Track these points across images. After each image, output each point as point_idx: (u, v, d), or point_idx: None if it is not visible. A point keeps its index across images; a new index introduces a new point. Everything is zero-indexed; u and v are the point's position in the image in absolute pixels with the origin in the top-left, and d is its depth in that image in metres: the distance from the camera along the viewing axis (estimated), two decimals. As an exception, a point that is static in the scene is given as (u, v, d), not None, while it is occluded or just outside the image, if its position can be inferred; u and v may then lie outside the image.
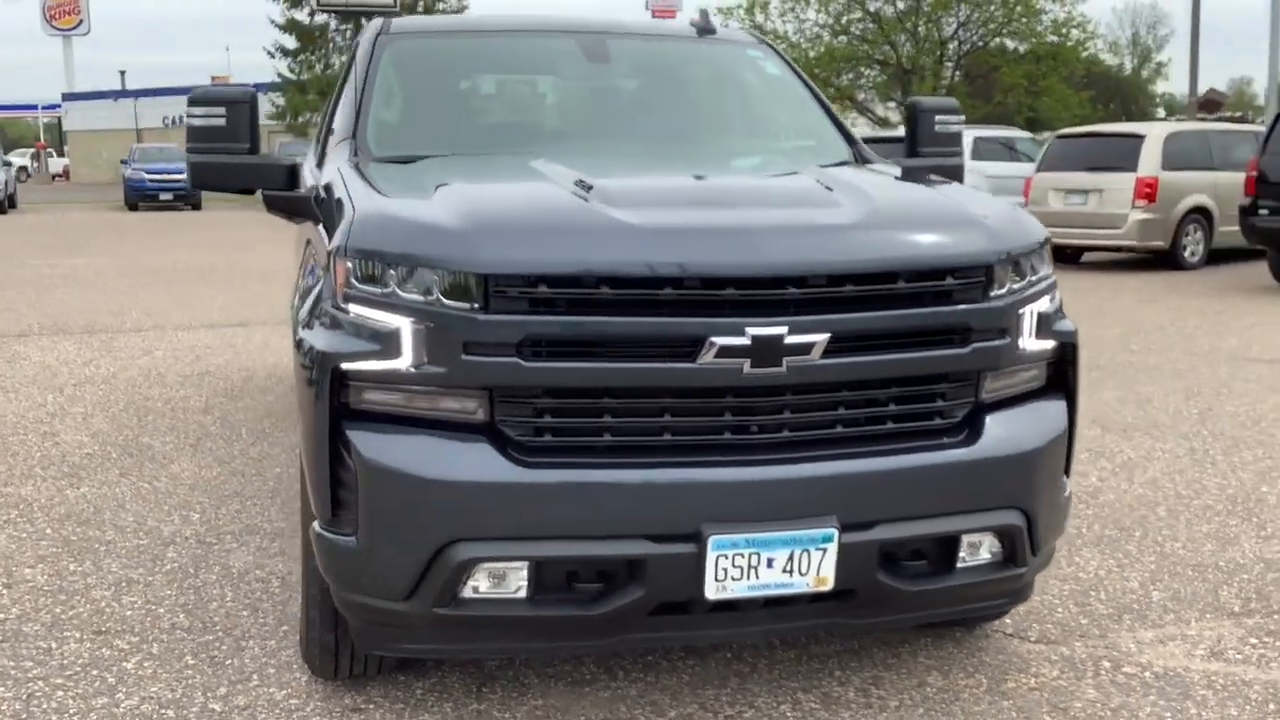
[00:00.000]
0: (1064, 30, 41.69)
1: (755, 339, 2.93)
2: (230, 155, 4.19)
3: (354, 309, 3.05)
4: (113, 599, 4.30)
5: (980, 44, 43.76)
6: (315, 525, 3.18)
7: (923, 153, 4.76)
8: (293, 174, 4.16)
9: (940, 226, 3.28)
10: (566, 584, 3.04)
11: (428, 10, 45.30)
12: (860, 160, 4.51)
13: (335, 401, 3.04)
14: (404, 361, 2.96)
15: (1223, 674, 3.71)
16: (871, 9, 43.46)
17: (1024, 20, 41.91)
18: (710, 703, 3.51)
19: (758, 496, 2.99)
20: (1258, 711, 3.47)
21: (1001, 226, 3.34)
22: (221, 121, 4.21)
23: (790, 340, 2.95)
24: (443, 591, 2.99)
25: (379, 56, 4.51)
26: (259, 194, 4.21)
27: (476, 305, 2.92)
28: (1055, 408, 3.41)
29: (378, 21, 4.79)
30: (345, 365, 3.01)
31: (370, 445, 3.00)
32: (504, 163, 4.06)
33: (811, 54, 42.33)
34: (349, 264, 3.06)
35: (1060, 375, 3.46)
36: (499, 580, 3.01)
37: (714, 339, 2.92)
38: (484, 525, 2.95)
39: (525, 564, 2.98)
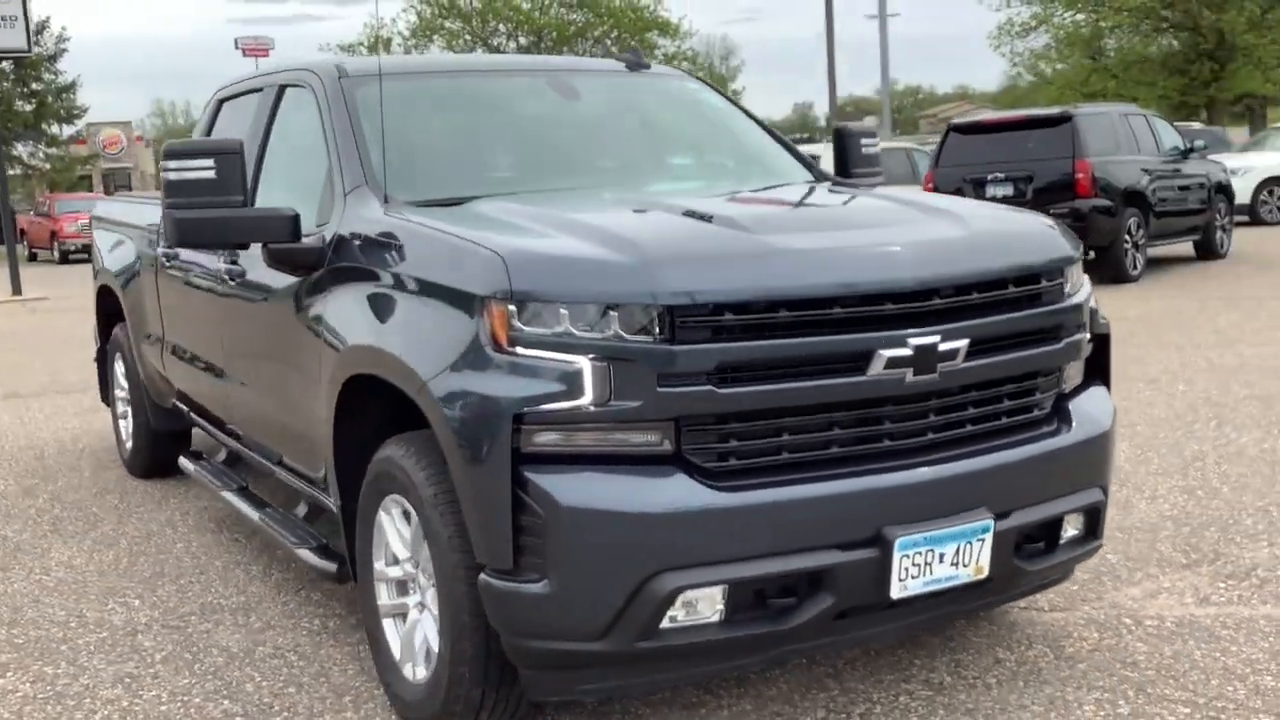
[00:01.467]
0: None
1: (916, 348, 3.12)
2: (224, 209, 3.94)
3: (524, 352, 3.00)
4: (131, 695, 3.92)
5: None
6: (486, 577, 3.08)
7: (853, 173, 5.10)
8: (296, 225, 3.97)
9: (1027, 236, 3.58)
10: (757, 602, 3.10)
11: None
12: (825, 178, 4.80)
13: (512, 446, 2.98)
14: (588, 399, 2.95)
15: (1224, 615, 4.21)
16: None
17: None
18: (835, 705, 3.64)
19: (927, 496, 3.18)
20: None
21: (1063, 233, 3.70)
22: (211, 174, 3.95)
23: (942, 347, 3.16)
24: (646, 625, 2.99)
25: (353, 101, 4.35)
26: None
27: (664, 337, 2.95)
28: (1102, 391, 3.79)
29: (324, 67, 4.59)
30: (525, 409, 2.96)
31: (561, 487, 2.96)
32: (572, 196, 4.08)
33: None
34: (509, 307, 3.01)
35: (1098, 362, 3.84)
36: (693, 607, 3.03)
37: (882, 351, 3.09)
38: (686, 554, 2.98)
39: (722, 587, 3.03)
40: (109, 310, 7.10)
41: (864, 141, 5.13)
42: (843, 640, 3.49)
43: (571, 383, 2.95)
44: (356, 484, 3.82)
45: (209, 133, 5.69)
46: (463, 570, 3.21)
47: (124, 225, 6.63)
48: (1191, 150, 16.38)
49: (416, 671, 3.55)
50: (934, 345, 3.15)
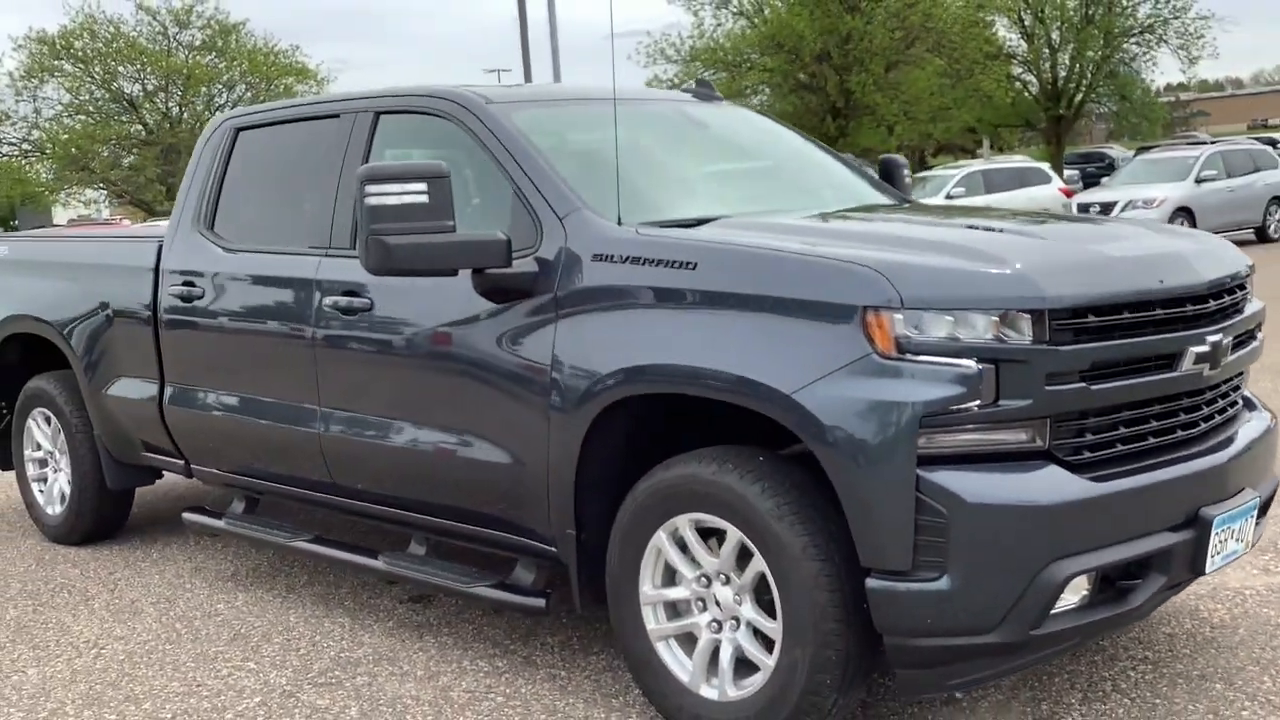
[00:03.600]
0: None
1: (1212, 344, 3.54)
2: (437, 235, 3.82)
3: (917, 358, 3.16)
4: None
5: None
6: (877, 580, 3.20)
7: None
8: (509, 250, 3.90)
9: (1226, 248, 4.07)
10: (1106, 585, 3.39)
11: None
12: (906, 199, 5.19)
13: (914, 449, 3.13)
14: (981, 400, 3.15)
15: (1290, 581, 4.87)
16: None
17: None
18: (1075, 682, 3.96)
19: (1224, 478, 3.59)
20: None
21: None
22: (423, 198, 3.82)
23: (1224, 342, 3.60)
24: (1039, 613, 3.21)
25: (517, 127, 4.28)
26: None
27: (1045, 340, 3.20)
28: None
29: (462, 94, 4.48)
30: (929, 413, 3.12)
31: (963, 485, 3.14)
32: (787, 216, 4.24)
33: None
34: (898, 316, 3.17)
35: None
36: (1068, 594, 3.28)
37: (1191, 348, 3.48)
38: (1072, 542, 3.23)
39: (1092, 573, 3.29)
40: (10, 361, 6.41)
41: (905, 171, 5.53)
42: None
43: (968, 385, 3.14)
44: (593, 514, 3.84)
45: (227, 165, 5.34)
46: (824, 578, 3.30)
47: (65, 266, 6.03)
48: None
49: (726, 690, 3.57)
50: (1220, 341, 3.57)
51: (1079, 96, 47.15)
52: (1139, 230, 4.11)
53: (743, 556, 3.51)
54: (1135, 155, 30.28)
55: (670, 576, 3.72)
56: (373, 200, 3.82)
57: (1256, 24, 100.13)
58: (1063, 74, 46.85)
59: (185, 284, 5.27)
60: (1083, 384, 3.25)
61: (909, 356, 3.18)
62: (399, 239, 3.81)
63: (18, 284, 6.26)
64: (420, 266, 3.89)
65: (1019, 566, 3.17)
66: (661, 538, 3.66)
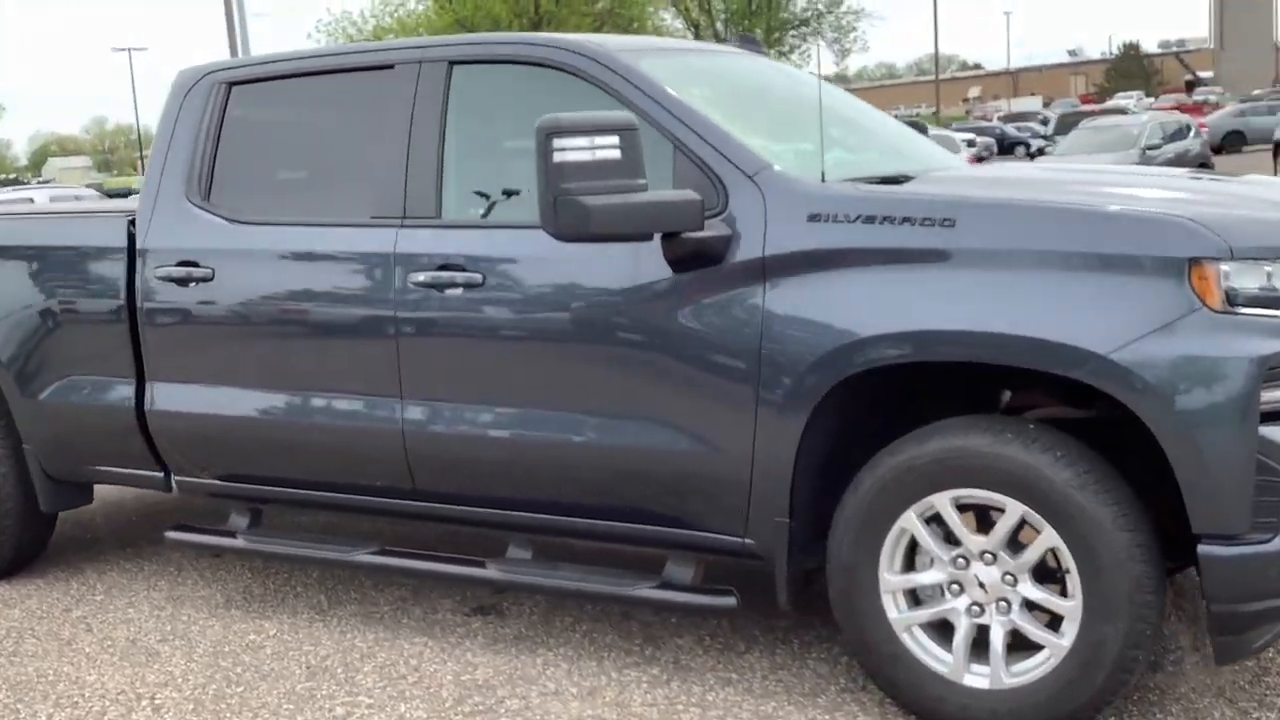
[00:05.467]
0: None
1: None
2: (631, 194, 3.41)
3: (1249, 311, 3.08)
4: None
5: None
6: (1213, 546, 3.07)
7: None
8: (703, 211, 3.52)
9: None
10: None
11: None
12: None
13: (1256, 406, 3.03)
14: None
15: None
16: None
17: None
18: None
19: None
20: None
21: None
22: (616, 154, 3.40)
23: None
24: None
25: (655, 77, 3.87)
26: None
27: None
28: None
29: (581, 44, 4.00)
30: (1272, 367, 3.03)
31: None
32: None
33: None
34: (1228, 267, 3.07)
35: None
36: None
37: None
38: None
39: None
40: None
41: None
42: None
43: None
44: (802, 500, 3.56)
45: (220, 123, 4.58)
46: (1137, 549, 3.15)
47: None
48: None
49: (1001, 677, 3.35)
50: None
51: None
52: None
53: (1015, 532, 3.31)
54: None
55: (910, 561, 3.48)
56: (561, 156, 3.36)
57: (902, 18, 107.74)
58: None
59: (181, 265, 4.48)
60: None
61: (1240, 309, 3.07)
62: (597, 200, 3.36)
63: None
64: (620, 230, 3.45)
65: None
66: (911, 518, 3.40)
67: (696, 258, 3.59)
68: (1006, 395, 3.74)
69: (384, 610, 4.60)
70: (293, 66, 4.60)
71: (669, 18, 49.78)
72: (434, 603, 4.63)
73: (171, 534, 4.75)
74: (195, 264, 4.45)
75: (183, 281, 4.47)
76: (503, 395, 3.96)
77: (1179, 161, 21.19)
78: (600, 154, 3.38)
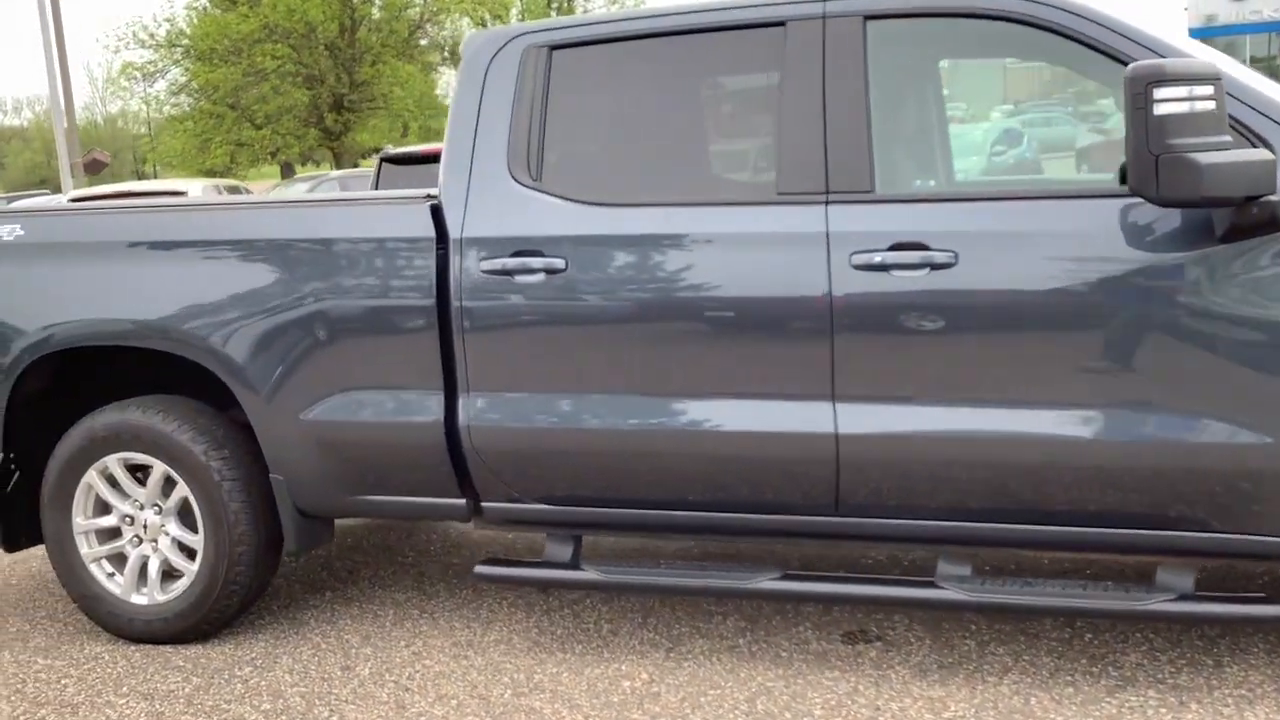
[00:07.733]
0: None
1: None
2: (1230, 152, 3.07)
3: None
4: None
5: None
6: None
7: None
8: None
9: None
10: None
11: None
12: None
13: None
14: None
15: None
16: None
17: None
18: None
19: None
20: None
21: None
22: (1212, 105, 3.06)
23: None
24: None
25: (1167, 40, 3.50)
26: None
27: None
28: None
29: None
30: None
31: None
32: None
33: None
34: None
35: None
36: None
37: None
38: None
39: None
40: (37, 390, 4.43)
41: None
42: None
43: None
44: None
45: (546, 93, 3.96)
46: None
47: (201, 247, 4.19)
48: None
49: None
50: None
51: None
52: None
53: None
54: None
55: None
56: (1164, 109, 2.98)
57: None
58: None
59: (517, 255, 3.85)
60: None
61: None
62: (1210, 158, 3.00)
63: (82, 276, 4.30)
64: (1226, 194, 3.07)
65: None
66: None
67: (1263, 226, 3.24)
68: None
69: (739, 642, 4.07)
70: (633, 27, 3.99)
71: (467, 28, 48.94)
72: (788, 631, 4.13)
73: (482, 568, 4.07)
74: (539, 253, 3.83)
75: (523, 274, 3.84)
76: (991, 391, 3.47)
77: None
78: (1199, 105, 3.02)
